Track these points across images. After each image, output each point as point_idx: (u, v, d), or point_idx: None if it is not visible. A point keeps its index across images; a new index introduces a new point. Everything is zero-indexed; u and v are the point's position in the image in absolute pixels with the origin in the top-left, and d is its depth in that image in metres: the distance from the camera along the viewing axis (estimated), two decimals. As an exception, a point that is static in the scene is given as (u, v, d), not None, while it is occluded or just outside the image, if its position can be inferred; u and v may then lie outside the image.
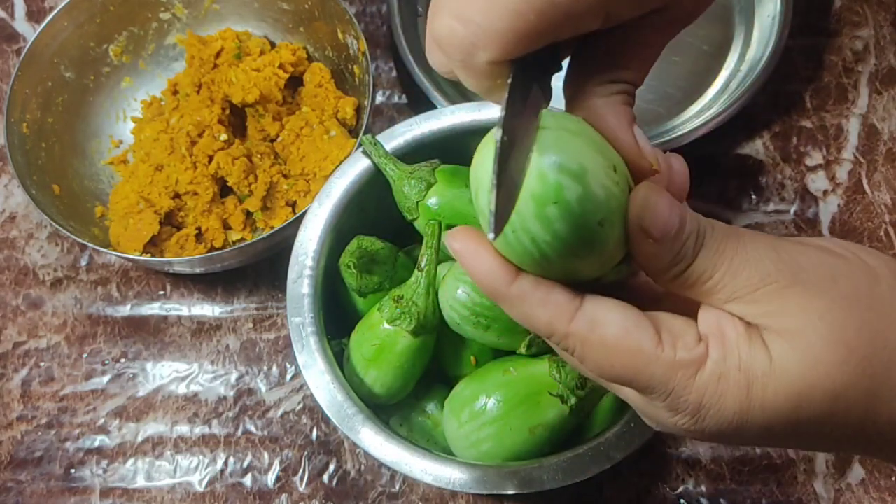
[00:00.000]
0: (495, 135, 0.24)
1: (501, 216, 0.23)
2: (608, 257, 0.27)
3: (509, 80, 0.26)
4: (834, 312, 0.26)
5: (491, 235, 0.23)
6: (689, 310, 0.28)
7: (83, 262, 0.63)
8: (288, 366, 0.59)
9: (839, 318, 0.26)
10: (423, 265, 0.44)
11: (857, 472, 0.56)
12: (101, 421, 0.58)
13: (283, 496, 0.56)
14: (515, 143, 0.24)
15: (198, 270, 0.58)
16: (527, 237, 0.26)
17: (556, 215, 0.26)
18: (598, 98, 0.28)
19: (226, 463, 0.57)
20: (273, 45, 0.66)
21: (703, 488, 0.55)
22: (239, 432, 0.57)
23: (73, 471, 0.57)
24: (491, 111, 0.50)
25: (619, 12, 0.27)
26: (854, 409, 0.26)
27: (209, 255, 0.53)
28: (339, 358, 0.47)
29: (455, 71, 0.27)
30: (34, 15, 0.71)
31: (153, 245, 0.58)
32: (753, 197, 0.64)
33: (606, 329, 0.26)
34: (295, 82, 0.64)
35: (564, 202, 0.25)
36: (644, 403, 0.28)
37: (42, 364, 0.60)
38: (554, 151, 0.26)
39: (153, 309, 0.61)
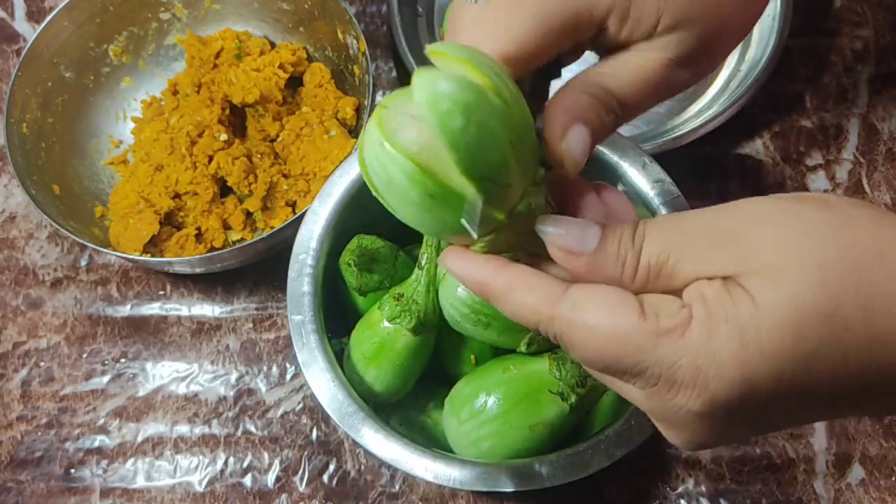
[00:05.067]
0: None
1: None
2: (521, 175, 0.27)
3: None
4: (800, 237, 0.25)
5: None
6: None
7: (83, 262, 0.63)
8: (288, 366, 0.59)
9: (807, 240, 0.25)
10: (423, 263, 0.44)
11: (857, 472, 0.55)
12: (101, 421, 0.58)
13: (283, 496, 0.56)
14: None
15: (198, 270, 0.58)
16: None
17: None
18: (566, 90, 0.29)
19: (226, 463, 0.57)
20: (273, 45, 0.66)
21: (703, 488, 0.55)
22: (239, 432, 0.57)
23: (73, 471, 0.57)
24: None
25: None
26: (855, 326, 0.24)
27: (209, 255, 0.53)
28: (340, 357, 0.47)
29: None
30: (34, 15, 0.71)
31: (153, 245, 0.58)
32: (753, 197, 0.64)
33: (589, 309, 0.26)
34: (295, 82, 0.64)
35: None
36: (646, 399, 0.27)
37: (42, 364, 0.60)
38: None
39: (153, 309, 0.61)
